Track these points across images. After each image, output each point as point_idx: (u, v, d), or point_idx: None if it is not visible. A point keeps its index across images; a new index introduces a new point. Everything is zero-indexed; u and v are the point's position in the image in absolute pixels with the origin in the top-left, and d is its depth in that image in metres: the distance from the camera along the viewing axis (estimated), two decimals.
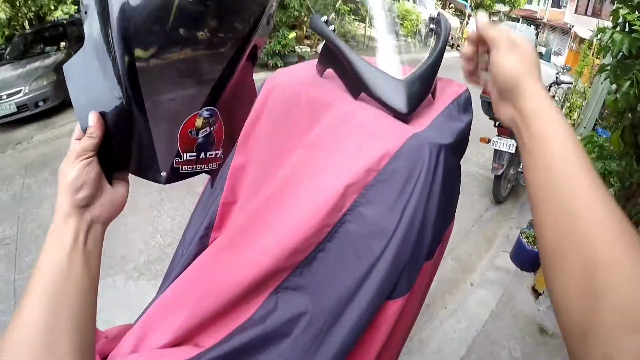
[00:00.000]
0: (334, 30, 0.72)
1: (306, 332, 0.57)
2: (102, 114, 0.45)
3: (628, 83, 1.96)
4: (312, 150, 0.62)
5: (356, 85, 0.67)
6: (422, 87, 0.67)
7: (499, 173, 3.24)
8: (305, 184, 0.61)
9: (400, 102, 0.63)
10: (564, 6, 20.51)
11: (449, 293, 2.51)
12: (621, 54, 2.00)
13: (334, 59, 0.72)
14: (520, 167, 3.52)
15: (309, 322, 0.58)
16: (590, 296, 0.29)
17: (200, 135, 0.49)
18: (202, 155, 0.50)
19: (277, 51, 7.51)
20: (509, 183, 3.61)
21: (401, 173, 0.57)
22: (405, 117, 0.63)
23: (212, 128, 0.50)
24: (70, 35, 6.68)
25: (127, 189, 0.49)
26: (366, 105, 0.66)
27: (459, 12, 16.90)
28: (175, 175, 0.49)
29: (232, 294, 0.60)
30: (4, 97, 5.24)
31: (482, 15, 0.48)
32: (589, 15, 17.24)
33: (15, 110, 5.28)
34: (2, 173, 4.29)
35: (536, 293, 2.49)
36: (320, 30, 0.72)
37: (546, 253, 0.35)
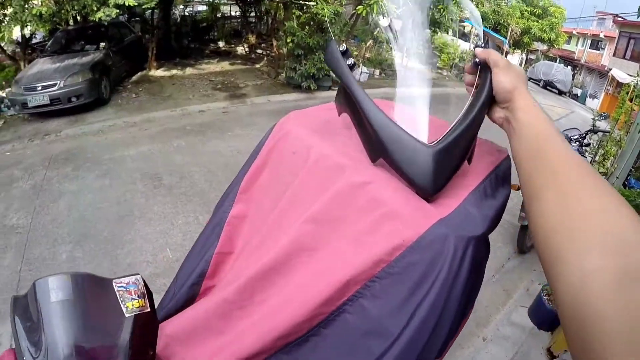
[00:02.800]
0: (352, 65, 0.58)
1: None
2: None
3: None
4: (315, 225, 0.53)
5: (374, 147, 0.55)
6: (456, 157, 0.54)
7: (526, 223, 3.05)
8: (303, 265, 0.52)
9: (425, 179, 0.51)
10: (603, 48, 20.05)
11: (460, 347, 2.34)
12: None
13: (351, 105, 0.60)
14: None
15: None
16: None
17: None
18: None
19: (312, 74, 7.27)
20: None
21: (417, 268, 0.47)
22: (429, 197, 0.52)
23: None
24: (110, 36, 6.81)
25: None
26: (384, 175, 0.55)
27: (498, 48, 16.93)
28: None
29: None
30: (39, 88, 5.38)
31: (479, 49, 0.59)
32: (627, 59, 16.76)
33: (48, 102, 5.41)
34: (26, 162, 4.39)
35: (551, 355, 2.28)
36: (334, 66, 0.59)
37: (525, 184, 0.44)
